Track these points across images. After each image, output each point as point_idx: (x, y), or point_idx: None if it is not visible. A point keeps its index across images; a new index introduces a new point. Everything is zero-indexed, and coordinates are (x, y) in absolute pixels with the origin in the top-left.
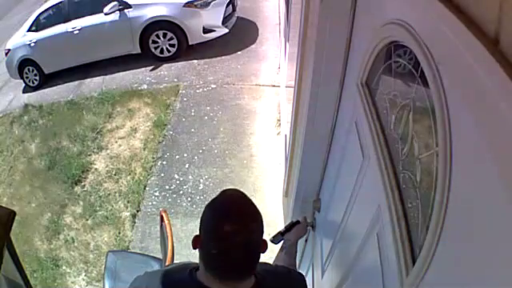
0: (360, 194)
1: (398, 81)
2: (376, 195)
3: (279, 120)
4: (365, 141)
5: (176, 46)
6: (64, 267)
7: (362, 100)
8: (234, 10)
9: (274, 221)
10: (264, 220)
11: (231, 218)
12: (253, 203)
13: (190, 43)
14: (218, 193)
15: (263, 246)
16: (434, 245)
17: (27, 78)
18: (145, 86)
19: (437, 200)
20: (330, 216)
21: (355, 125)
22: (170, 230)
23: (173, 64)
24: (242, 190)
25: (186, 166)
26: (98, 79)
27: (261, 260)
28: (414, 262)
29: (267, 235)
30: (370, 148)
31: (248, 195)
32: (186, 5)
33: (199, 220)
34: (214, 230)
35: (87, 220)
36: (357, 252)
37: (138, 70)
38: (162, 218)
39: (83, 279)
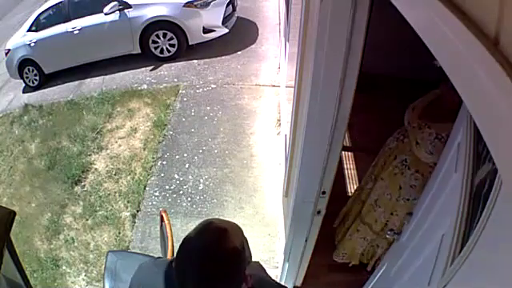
0: (443, 203)
1: None
2: (454, 203)
3: (279, 120)
4: (460, 160)
5: (176, 46)
6: (64, 267)
7: (468, 125)
8: (234, 9)
9: (273, 221)
10: (264, 220)
11: (191, 275)
12: (229, 251)
13: (190, 43)
14: (217, 192)
15: (245, 281)
16: (474, 241)
17: (27, 78)
18: (145, 86)
19: (487, 205)
20: (415, 226)
21: (458, 145)
22: (170, 230)
23: (173, 64)
24: (241, 190)
25: (186, 166)
26: (97, 79)
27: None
28: None
29: (267, 235)
30: (461, 164)
31: (247, 196)
32: (186, 5)
33: (199, 220)
34: (181, 283)
35: (87, 220)
36: (423, 248)
37: (138, 69)
38: (161, 217)
39: (83, 279)
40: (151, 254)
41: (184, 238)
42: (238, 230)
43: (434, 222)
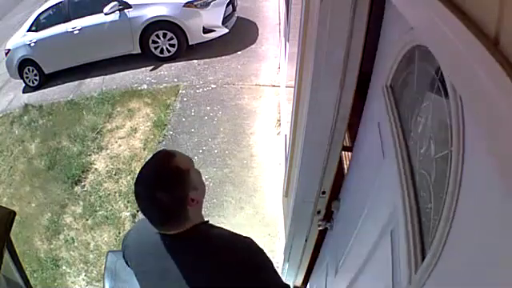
0: (378, 192)
1: (421, 83)
2: (393, 193)
3: (279, 120)
4: (386, 141)
5: (176, 46)
6: (64, 267)
7: (386, 102)
8: (234, 9)
9: (274, 221)
10: (264, 220)
11: (140, 183)
12: (172, 168)
13: (190, 43)
14: (217, 192)
15: (188, 202)
16: (442, 243)
17: (27, 78)
18: (145, 86)
19: (447, 200)
20: (348, 214)
21: (378, 125)
22: None
23: (173, 64)
24: (241, 190)
25: None
26: (97, 79)
27: None
28: (423, 260)
29: (267, 235)
30: (391, 148)
31: (247, 196)
32: (186, 5)
33: None
34: (135, 194)
35: (87, 220)
36: (371, 249)
37: (138, 69)
38: None
39: (83, 279)
40: None
41: None
42: (186, 159)
43: (374, 213)
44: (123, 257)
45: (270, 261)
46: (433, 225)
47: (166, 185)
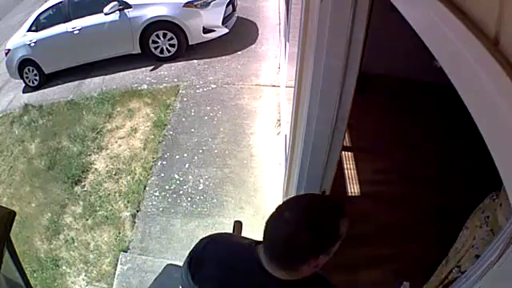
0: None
1: None
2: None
3: (279, 120)
4: None
5: (176, 46)
6: (64, 267)
7: None
8: (234, 9)
9: None
10: (264, 220)
11: (294, 210)
12: (332, 221)
13: (190, 43)
14: (217, 192)
15: (312, 260)
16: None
17: (27, 77)
18: (145, 86)
19: None
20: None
21: None
22: None
23: (173, 64)
24: (241, 190)
25: (186, 166)
26: (98, 79)
27: None
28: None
29: None
30: None
31: (248, 196)
32: (186, 5)
33: (199, 220)
34: (274, 214)
35: (87, 220)
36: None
37: (138, 69)
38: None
39: (83, 279)
40: (151, 255)
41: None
42: (347, 225)
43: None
44: (190, 273)
45: None
46: None
47: (316, 231)
